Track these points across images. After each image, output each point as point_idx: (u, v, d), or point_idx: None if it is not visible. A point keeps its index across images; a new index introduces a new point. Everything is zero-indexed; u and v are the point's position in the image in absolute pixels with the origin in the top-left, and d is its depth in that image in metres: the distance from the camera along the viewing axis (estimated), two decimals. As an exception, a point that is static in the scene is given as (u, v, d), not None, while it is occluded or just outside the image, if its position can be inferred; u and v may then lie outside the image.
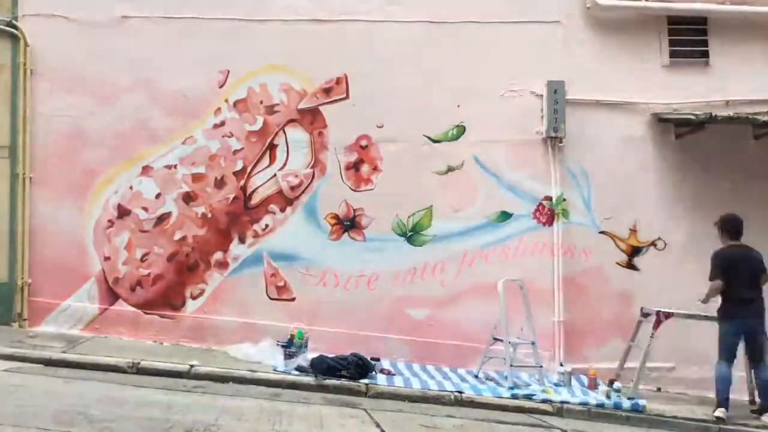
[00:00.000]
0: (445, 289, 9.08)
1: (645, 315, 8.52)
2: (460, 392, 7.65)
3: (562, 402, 7.73)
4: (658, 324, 8.24)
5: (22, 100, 9.01)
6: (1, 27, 9.07)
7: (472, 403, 7.47)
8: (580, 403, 7.78)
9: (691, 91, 9.31)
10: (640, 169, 9.29)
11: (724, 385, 7.75)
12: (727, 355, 7.83)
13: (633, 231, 9.26)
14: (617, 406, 7.76)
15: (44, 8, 9.16)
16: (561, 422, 7.19)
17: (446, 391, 7.67)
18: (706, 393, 8.45)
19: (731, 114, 8.72)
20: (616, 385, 7.99)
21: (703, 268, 8.95)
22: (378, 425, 5.91)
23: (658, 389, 9.01)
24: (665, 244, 9.24)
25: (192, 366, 7.51)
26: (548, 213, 9.22)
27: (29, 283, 8.82)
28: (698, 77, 9.38)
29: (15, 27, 9.07)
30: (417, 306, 9.06)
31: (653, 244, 9.26)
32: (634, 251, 9.26)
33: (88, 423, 4.87)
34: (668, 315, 8.29)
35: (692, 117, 8.78)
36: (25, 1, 9.17)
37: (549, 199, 9.21)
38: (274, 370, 7.79)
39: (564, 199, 9.21)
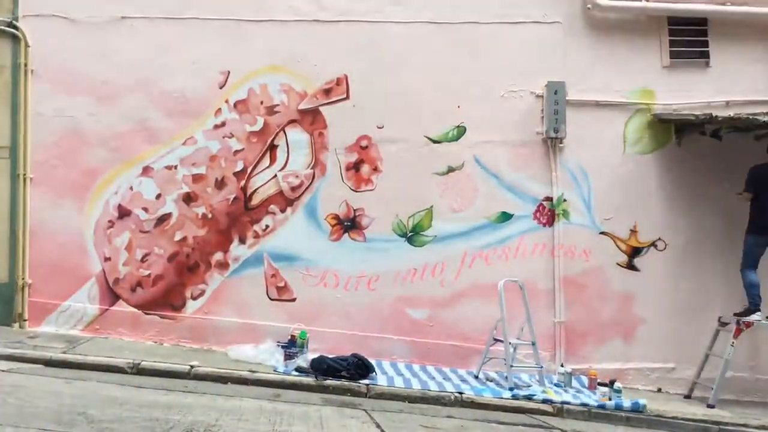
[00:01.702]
0: (445, 290, 9.05)
1: (723, 324, 8.68)
2: (461, 393, 7.63)
3: (563, 402, 7.71)
4: (738, 333, 8.41)
5: (22, 101, 8.98)
6: (2, 27, 9.03)
7: (472, 404, 7.46)
8: (581, 404, 7.76)
9: (691, 91, 9.29)
10: (640, 169, 9.26)
11: (755, 288, 8.45)
12: (750, 263, 8.55)
13: (633, 231, 9.24)
14: (618, 407, 7.73)
15: (44, 9, 9.13)
16: (561, 423, 7.18)
17: (446, 391, 7.66)
18: (706, 394, 8.46)
19: (731, 114, 8.70)
20: (617, 385, 7.96)
21: (704, 269, 9.05)
22: (378, 426, 5.89)
23: (659, 390, 8.99)
24: (666, 244, 9.21)
25: (192, 366, 7.50)
26: (548, 213, 9.20)
27: (29, 284, 8.81)
28: (699, 78, 9.35)
29: (15, 27, 9.04)
30: (417, 306, 9.04)
31: (654, 244, 9.22)
32: (635, 252, 9.23)
33: (89, 423, 4.85)
34: (748, 324, 8.46)
35: (692, 117, 8.78)
36: (26, 1, 9.13)
37: (549, 199, 9.19)
38: (275, 370, 7.77)
39: (564, 200, 9.19)
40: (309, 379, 7.56)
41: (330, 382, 7.56)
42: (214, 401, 6.20)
